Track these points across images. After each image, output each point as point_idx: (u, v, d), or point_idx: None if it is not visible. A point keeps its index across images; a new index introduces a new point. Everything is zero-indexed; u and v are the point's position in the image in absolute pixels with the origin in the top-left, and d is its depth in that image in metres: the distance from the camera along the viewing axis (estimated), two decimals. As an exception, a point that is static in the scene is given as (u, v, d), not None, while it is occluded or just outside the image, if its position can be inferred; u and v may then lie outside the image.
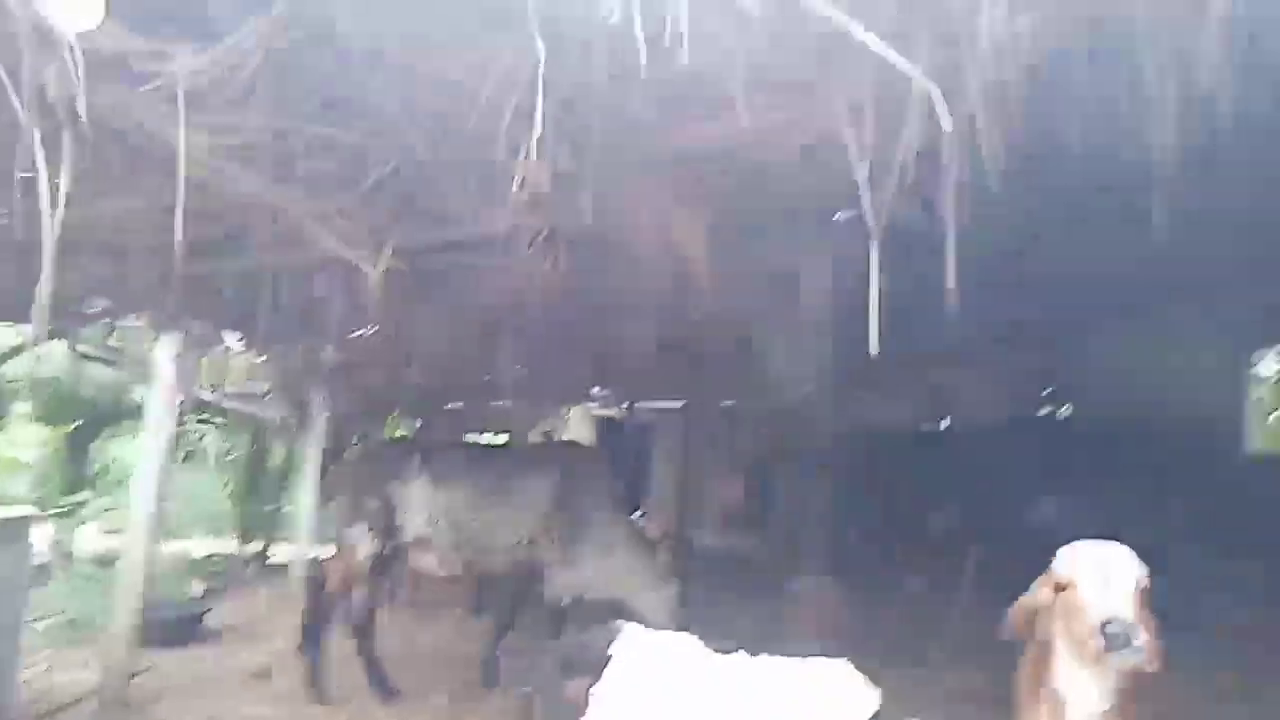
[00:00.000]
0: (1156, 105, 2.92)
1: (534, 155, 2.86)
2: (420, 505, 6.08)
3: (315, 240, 3.92)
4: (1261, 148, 3.91)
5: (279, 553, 13.53)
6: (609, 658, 2.29)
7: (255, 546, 13.92)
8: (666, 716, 2.17)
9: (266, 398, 11.79)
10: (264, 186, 3.53)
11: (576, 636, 3.04)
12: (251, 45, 2.77)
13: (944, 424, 12.83)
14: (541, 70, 2.54)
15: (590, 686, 2.21)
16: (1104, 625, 2.05)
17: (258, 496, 15.22)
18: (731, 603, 6.34)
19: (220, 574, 10.99)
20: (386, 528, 6.07)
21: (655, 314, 7.60)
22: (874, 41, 2.44)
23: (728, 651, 2.30)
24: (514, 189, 3.69)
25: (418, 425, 12.84)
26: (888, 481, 9.82)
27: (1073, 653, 2.15)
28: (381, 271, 4.15)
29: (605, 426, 15.84)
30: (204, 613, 7.93)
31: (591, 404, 16.79)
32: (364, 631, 6.10)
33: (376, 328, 7.26)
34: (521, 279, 5.82)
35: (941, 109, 2.57)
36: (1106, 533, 2.35)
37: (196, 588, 9.80)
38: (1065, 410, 11.76)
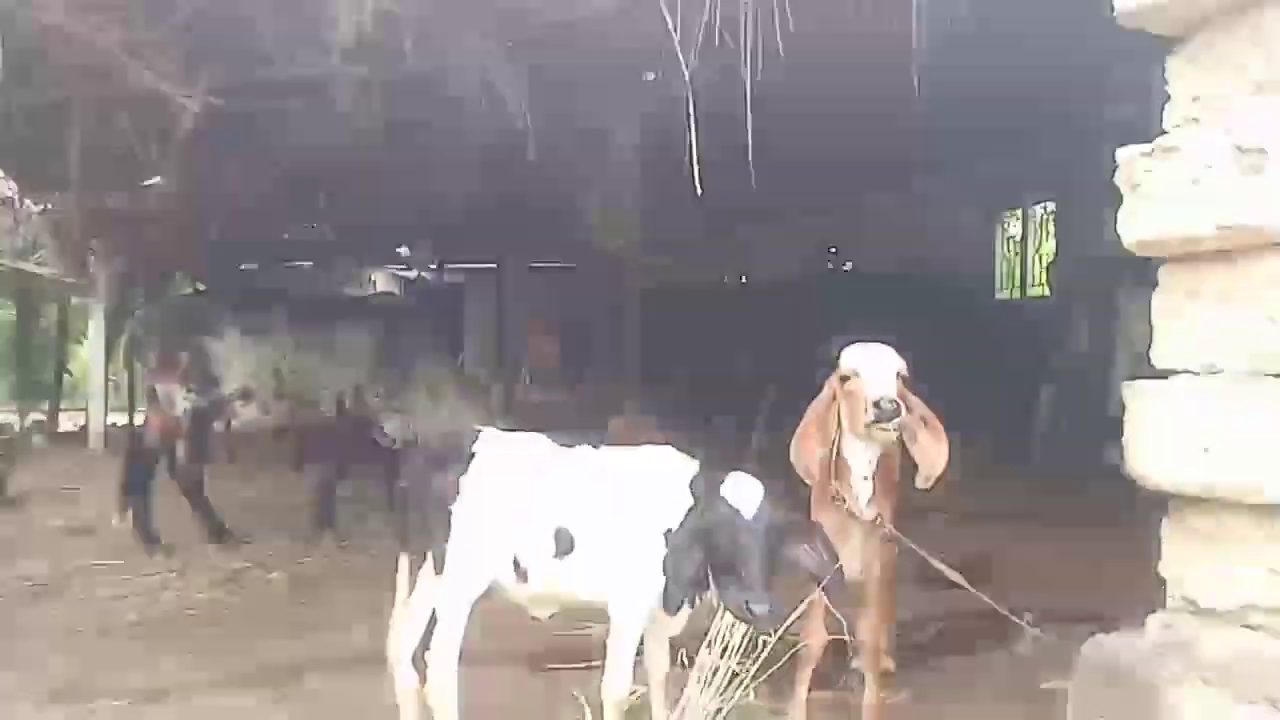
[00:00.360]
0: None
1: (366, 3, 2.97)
2: (237, 358, 6.03)
3: (123, 74, 3.77)
4: (1000, 39, 4.59)
5: (67, 420, 12.74)
6: (472, 454, 2.67)
7: (36, 415, 13.03)
8: (527, 497, 2.62)
9: (39, 254, 10.77)
10: (67, 14, 3.36)
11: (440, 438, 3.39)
12: None
13: (743, 279, 13.84)
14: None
15: (458, 478, 2.59)
16: (875, 402, 2.65)
17: (28, 363, 14.06)
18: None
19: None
20: (201, 381, 6.00)
21: (471, 169, 7.66)
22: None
23: (573, 446, 2.76)
24: (337, 33, 3.72)
25: (204, 289, 12.15)
26: (694, 332, 10.57)
27: (852, 426, 2.76)
28: (195, 108, 4.05)
29: (412, 288, 15.57)
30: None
31: (398, 266, 16.39)
32: (193, 481, 6.06)
33: (174, 175, 6.87)
34: (335, 126, 5.73)
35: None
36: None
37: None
38: (848, 266, 13.06)
